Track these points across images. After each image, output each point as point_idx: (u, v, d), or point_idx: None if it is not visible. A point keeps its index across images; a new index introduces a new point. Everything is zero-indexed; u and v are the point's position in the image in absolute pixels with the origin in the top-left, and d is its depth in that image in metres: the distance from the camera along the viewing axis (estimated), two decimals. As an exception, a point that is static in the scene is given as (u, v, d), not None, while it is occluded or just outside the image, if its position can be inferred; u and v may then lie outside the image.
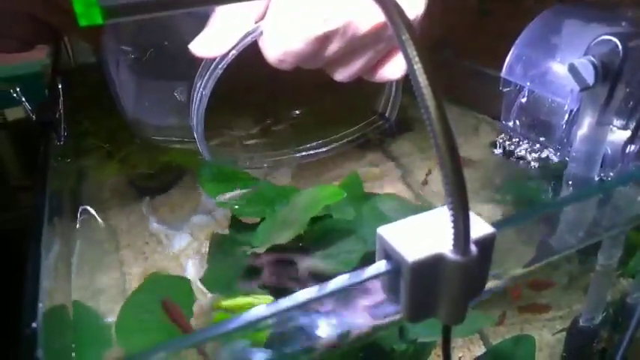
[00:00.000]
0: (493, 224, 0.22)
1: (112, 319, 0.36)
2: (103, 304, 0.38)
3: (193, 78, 0.38)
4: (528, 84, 0.40)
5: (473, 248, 0.21)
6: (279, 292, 0.34)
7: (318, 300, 0.22)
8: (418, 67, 0.20)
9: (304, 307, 0.22)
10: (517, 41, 0.40)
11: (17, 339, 0.24)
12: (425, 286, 0.22)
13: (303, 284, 0.34)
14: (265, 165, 0.47)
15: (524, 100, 0.41)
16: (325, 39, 0.30)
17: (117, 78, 0.46)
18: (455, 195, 0.20)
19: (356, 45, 0.32)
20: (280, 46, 0.31)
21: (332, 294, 0.22)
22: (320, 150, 0.47)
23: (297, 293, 0.22)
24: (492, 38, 0.59)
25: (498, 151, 0.45)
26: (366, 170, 0.49)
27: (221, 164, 0.42)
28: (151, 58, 0.45)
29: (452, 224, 0.20)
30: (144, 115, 0.47)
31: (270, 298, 0.32)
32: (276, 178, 0.47)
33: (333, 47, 0.31)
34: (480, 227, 0.22)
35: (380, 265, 0.22)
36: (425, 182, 0.48)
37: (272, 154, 0.48)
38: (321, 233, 0.37)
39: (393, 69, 0.35)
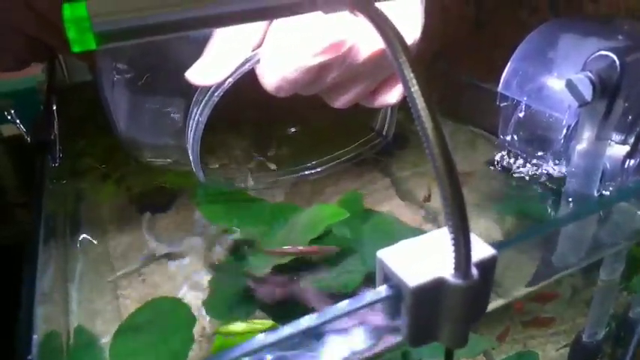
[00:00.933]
0: (493, 245, 0.22)
1: (106, 340, 0.35)
2: (100, 327, 0.37)
3: (190, 99, 0.38)
4: (525, 99, 0.40)
5: (474, 271, 0.21)
6: (280, 314, 0.34)
7: (318, 327, 0.22)
8: (415, 89, 0.20)
9: (305, 334, 0.22)
10: (514, 55, 0.40)
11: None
12: (426, 310, 0.21)
13: (304, 305, 0.34)
14: (261, 187, 0.46)
15: (521, 114, 0.41)
16: (324, 67, 0.30)
17: (111, 98, 0.46)
18: (455, 218, 0.20)
19: (355, 72, 0.31)
20: (277, 74, 0.30)
21: (332, 320, 0.22)
22: (316, 170, 0.46)
23: (296, 321, 0.22)
24: (487, 50, 0.60)
25: (496, 166, 0.45)
26: (364, 188, 0.49)
27: (216, 186, 0.41)
28: (147, 79, 0.44)
29: (452, 247, 0.20)
30: (138, 136, 0.47)
31: (270, 322, 0.31)
32: (272, 197, 0.46)
33: (331, 75, 0.31)
34: (480, 249, 0.22)
35: (380, 290, 0.21)
36: (425, 200, 0.48)
37: (267, 175, 0.48)
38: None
39: (392, 94, 0.34)
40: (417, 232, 0.40)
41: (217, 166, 0.47)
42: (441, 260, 0.21)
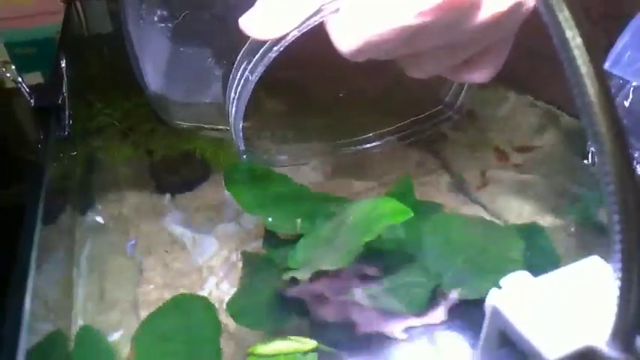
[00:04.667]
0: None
1: (121, 332, 0.31)
2: (114, 320, 0.32)
3: (236, 50, 0.30)
4: (636, 81, 0.32)
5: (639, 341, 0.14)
6: (322, 329, 0.28)
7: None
8: (587, 71, 0.13)
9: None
10: (628, 27, 0.32)
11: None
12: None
13: (354, 321, 0.28)
14: (302, 162, 0.39)
15: (628, 99, 0.33)
16: (425, 30, 0.22)
17: (137, 41, 0.39)
18: (628, 272, 0.13)
19: (459, 39, 0.24)
20: (360, 34, 0.23)
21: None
22: (369, 145, 0.39)
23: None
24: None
25: (590, 159, 0.37)
26: (413, 171, 0.42)
27: (251, 162, 0.35)
28: (185, 19, 0.37)
29: (616, 309, 0.14)
30: (168, 92, 0.40)
31: (315, 343, 0.26)
32: (302, 174, 0.40)
33: (429, 40, 0.23)
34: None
35: (501, 355, 0.15)
36: (480, 187, 0.41)
37: (306, 148, 0.40)
38: (370, 254, 0.30)
39: (484, 71, 0.27)
40: (489, 233, 0.33)
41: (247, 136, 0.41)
42: (585, 316, 0.15)
